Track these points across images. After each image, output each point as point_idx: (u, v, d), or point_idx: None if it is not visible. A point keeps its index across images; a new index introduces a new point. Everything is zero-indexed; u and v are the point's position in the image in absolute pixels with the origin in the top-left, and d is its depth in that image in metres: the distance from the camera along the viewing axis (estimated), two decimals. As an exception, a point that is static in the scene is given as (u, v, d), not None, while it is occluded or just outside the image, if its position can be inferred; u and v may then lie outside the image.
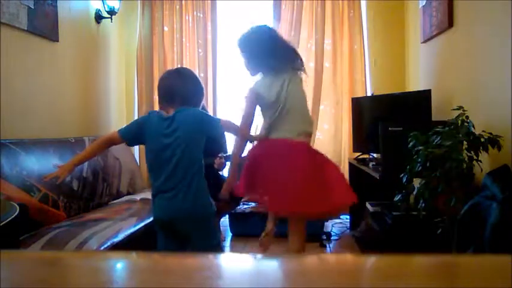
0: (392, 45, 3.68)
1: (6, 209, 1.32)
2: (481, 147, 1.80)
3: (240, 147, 2.07)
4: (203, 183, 1.87)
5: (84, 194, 2.57)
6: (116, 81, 3.80)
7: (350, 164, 3.44)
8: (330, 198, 1.91)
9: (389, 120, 2.52)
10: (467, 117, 1.89)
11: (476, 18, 2.26)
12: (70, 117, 2.98)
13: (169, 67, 3.83)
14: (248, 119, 2.00)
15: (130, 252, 0.46)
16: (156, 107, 3.84)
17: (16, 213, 1.28)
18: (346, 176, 3.56)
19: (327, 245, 3.19)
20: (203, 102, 3.13)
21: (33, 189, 2.13)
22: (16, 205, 1.37)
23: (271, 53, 1.97)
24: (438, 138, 1.84)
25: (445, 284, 0.39)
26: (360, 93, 3.65)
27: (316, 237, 3.26)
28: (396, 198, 2.00)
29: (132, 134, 1.92)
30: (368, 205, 2.78)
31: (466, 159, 1.81)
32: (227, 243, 3.32)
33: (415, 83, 3.35)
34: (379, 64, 3.68)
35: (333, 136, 3.68)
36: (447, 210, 1.81)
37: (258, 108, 2.03)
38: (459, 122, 1.87)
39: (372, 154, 3.18)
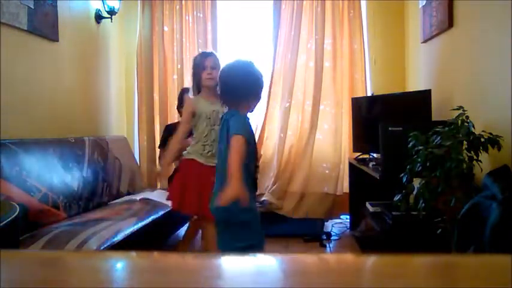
0: (393, 45, 3.68)
1: (6, 209, 1.32)
2: (481, 147, 1.80)
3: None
4: None
5: (84, 194, 2.57)
6: (116, 81, 3.80)
7: (350, 164, 3.44)
8: None
9: (390, 120, 2.52)
10: (467, 117, 1.89)
11: (476, 18, 2.26)
12: (70, 117, 2.98)
13: (169, 67, 3.83)
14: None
15: (130, 252, 0.46)
16: (156, 107, 3.84)
17: (16, 213, 1.28)
18: (346, 176, 3.57)
19: (327, 245, 3.19)
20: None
21: (33, 189, 2.13)
22: (16, 205, 1.37)
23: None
24: (438, 138, 1.84)
25: (445, 284, 0.39)
26: (360, 93, 3.65)
27: (316, 237, 3.26)
28: (396, 198, 2.00)
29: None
30: (368, 205, 2.78)
31: (466, 159, 1.81)
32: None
33: (415, 83, 3.35)
34: (379, 64, 3.68)
35: (333, 136, 3.68)
36: (447, 210, 1.81)
37: None
38: (459, 122, 1.87)
39: (372, 154, 3.18)
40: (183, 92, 3.36)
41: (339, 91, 3.70)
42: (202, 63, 2.42)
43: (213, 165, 2.19)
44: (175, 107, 3.45)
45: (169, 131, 3.36)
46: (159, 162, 3.58)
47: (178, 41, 3.79)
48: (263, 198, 3.58)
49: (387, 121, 2.42)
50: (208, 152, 2.34)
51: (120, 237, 2.09)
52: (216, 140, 2.28)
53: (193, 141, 2.40)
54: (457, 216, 1.71)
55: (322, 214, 3.60)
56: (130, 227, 2.24)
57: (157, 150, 3.53)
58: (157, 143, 3.58)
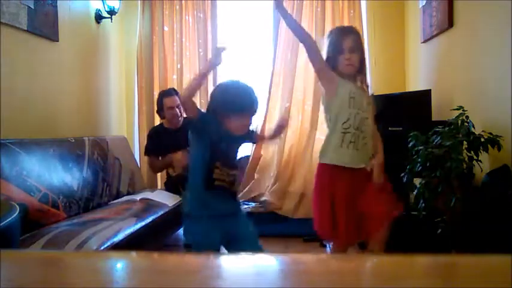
0: (393, 45, 3.68)
1: (6, 209, 1.32)
2: (481, 147, 1.80)
3: None
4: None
5: (84, 194, 2.57)
6: (116, 81, 3.80)
7: (350, 164, 3.44)
8: None
9: (390, 120, 2.52)
10: (467, 117, 1.89)
11: (476, 18, 2.26)
12: (70, 117, 2.98)
13: (169, 67, 3.83)
14: None
15: (130, 252, 0.46)
16: (155, 107, 3.83)
17: (16, 213, 1.28)
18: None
19: (327, 245, 3.19)
20: None
21: (33, 189, 2.13)
22: (16, 205, 1.37)
23: None
24: (438, 138, 1.84)
25: (445, 284, 0.39)
26: (360, 93, 3.65)
27: (316, 237, 3.25)
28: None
29: None
30: (368, 205, 2.78)
31: (466, 159, 1.81)
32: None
33: (415, 83, 3.35)
34: (379, 64, 3.68)
35: (333, 136, 3.68)
36: (447, 210, 1.81)
37: None
38: (459, 122, 1.87)
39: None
40: (162, 95, 3.28)
41: (339, 91, 3.70)
42: (339, 44, 1.81)
43: (361, 166, 1.75)
44: (156, 111, 3.36)
45: (154, 136, 3.30)
46: (152, 170, 3.49)
47: (178, 40, 3.80)
48: (263, 198, 3.58)
49: (387, 121, 2.42)
50: (350, 142, 1.75)
51: (120, 237, 2.09)
52: (361, 129, 1.76)
53: (330, 133, 1.83)
54: (457, 216, 1.71)
55: (322, 214, 3.58)
56: (130, 227, 2.23)
57: (145, 158, 3.44)
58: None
